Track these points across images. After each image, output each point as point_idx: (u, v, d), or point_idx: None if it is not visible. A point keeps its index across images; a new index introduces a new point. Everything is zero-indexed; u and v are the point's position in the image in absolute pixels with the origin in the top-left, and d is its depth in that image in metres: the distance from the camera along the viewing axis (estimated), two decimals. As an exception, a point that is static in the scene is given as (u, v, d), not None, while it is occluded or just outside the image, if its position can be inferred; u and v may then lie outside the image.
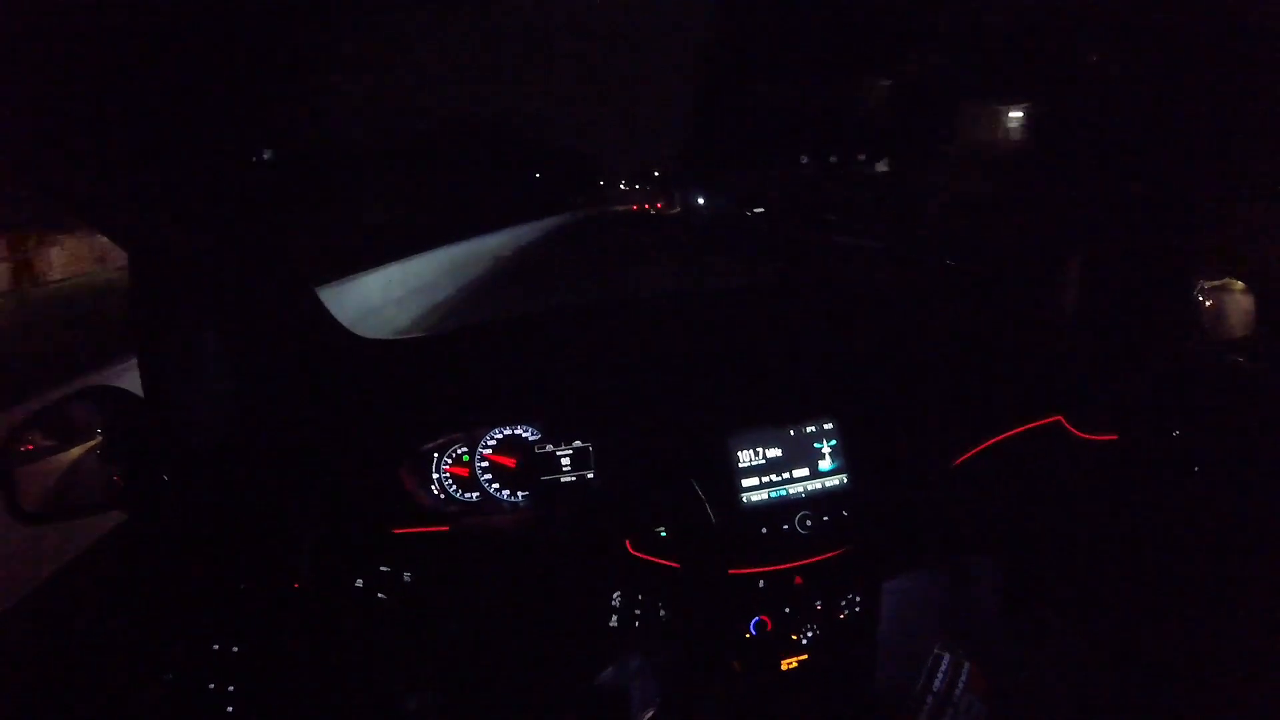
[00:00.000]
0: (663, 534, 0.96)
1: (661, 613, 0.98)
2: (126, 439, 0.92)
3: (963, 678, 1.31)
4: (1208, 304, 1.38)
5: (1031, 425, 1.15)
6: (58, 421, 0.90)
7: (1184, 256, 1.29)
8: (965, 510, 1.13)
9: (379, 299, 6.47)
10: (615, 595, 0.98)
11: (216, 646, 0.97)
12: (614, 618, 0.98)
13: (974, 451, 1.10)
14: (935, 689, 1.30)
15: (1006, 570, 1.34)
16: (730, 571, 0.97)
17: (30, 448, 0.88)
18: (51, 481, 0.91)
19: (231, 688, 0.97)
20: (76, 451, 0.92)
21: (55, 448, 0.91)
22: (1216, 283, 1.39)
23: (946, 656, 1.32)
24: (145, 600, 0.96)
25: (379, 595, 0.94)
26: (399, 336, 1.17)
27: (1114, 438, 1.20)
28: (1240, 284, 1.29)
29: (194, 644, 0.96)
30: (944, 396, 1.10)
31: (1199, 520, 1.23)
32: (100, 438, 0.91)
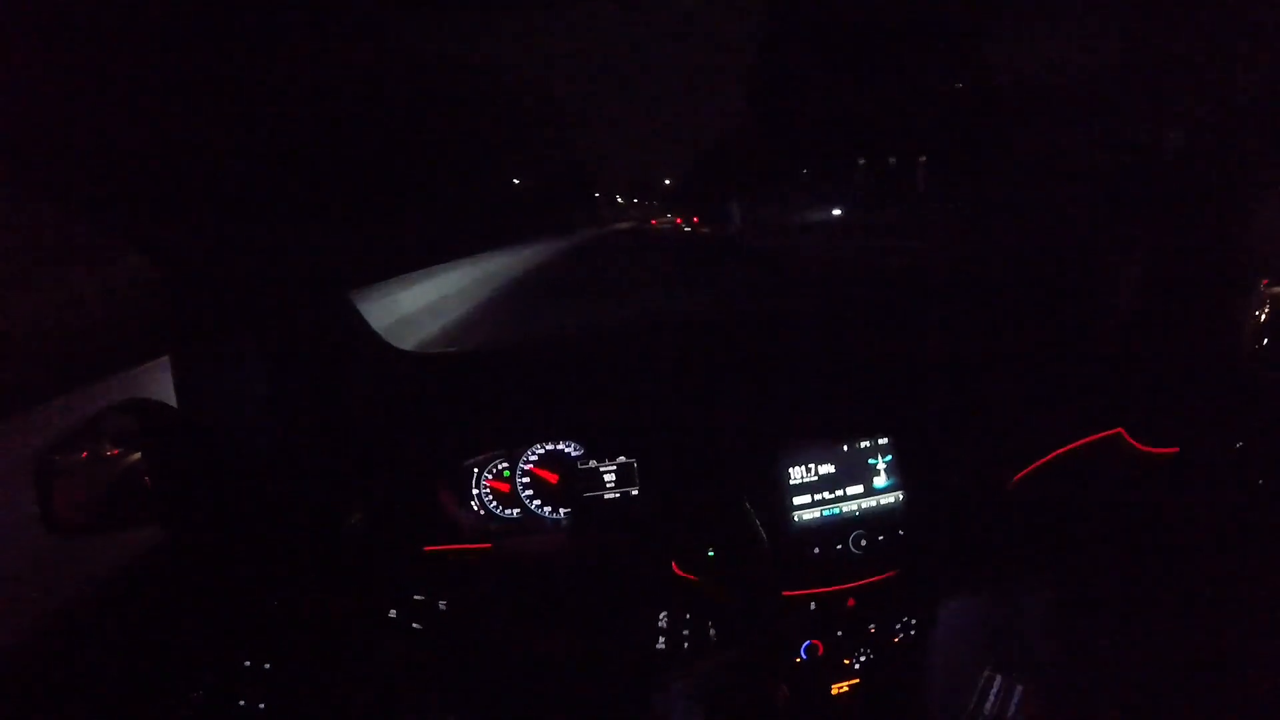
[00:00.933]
0: (711, 555, 0.92)
1: (711, 633, 0.94)
2: (164, 452, 0.90)
3: (1015, 700, 1.26)
4: (1270, 311, 1.32)
5: (1091, 439, 1.10)
6: (96, 434, 0.89)
7: (1245, 260, 1.23)
8: (1023, 526, 1.08)
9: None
10: (662, 616, 0.94)
11: (248, 663, 0.95)
12: (661, 639, 0.94)
13: (1033, 467, 1.05)
14: (987, 712, 1.25)
15: (1062, 588, 1.29)
16: (784, 594, 0.93)
17: (68, 460, 0.87)
18: (88, 494, 0.90)
19: (262, 705, 0.95)
20: (113, 464, 0.91)
21: (93, 461, 0.90)
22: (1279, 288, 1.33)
23: (999, 678, 1.27)
24: (178, 615, 0.94)
25: (414, 625, 0.91)
26: (439, 350, 1.15)
27: (1175, 450, 1.15)
28: None
29: (226, 660, 0.94)
30: (1002, 411, 1.05)
31: (1264, 535, 1.17)
32: (138, 451, 0.90)
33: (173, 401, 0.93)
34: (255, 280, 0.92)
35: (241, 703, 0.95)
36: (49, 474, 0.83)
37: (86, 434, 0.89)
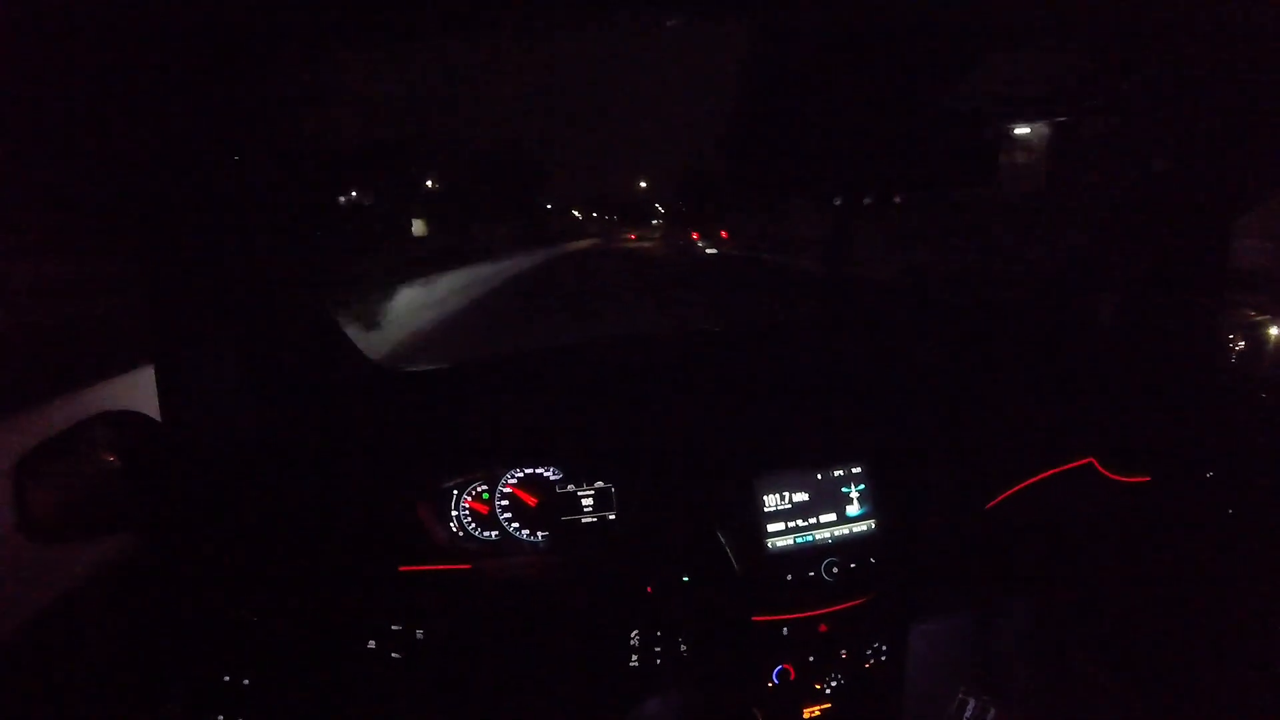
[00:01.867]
0: (685, 580, 0.94)
1: (683, 648, 0.94)
2: (143, 462, 0.90)
3: (987, 723, 1.27)
4: (1242, 341, 1.35)
5: (1063, 468, 1.12)
6: (76, 444, 0.89)
7: (1218, 290, 1.26)
8: (996, 554, 1.10)
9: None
10: (634, 634, 0.94)
11: (227, 678, 0.95)
12: (634, 658, 0.94)
13: (1005, 495, 1.07)
14: (959, 735, 1.26)
15: (1036, 613, 1.30)
16: (754, 619, 0.94)
17: (45, 465, 0.87)
18: (65, 499, 0.90)
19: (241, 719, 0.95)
20: (92, 472, 0.91)
21: (72, 469, 0.90)
22: (1253, 319, 1.36)
23: (972, 701, 1.28)
24: (155, 628, 0.94)
25: (393, 655, 0.91)
26: (420, 368, 1.15)
27: (1146, 479, 1.17)
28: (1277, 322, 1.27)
29: (204, 674, 0.94)
30: (976, 440, 1.07)
31: (1233, 564, 1.19)
32: (117, 461, 0.90)
33: (155, 408, 0.93)
34: (237, 287, 0.93)
35: (220, 718, 0.95)
36: (26, 478, 0.83)
37: (66, 441, 0.89)
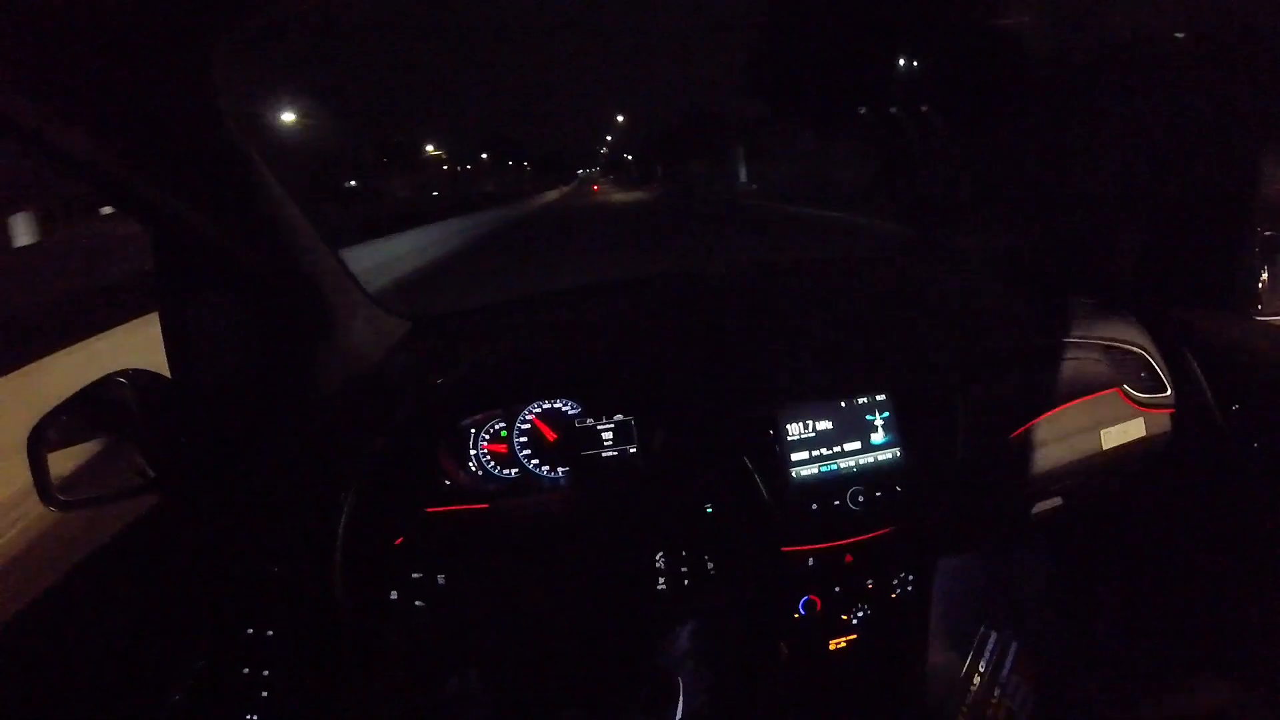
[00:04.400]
0: (709, 510, 0.93)
1: (710, 567, 0.93)
2: (159, 422, 0.89)
3: (1010, 657, 1.29)
4: (1268, 271, 1.32)
5: (1089, 397, 1.10)
6: (90, 406, 0.88)
7: (1245, 220, 1.23)
8: (1020, 484, 1.08)
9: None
10: (658, 557, 0.92)
11: (250, 631, 0.95)
12: (660, 580, 0.92)
13: (1031, 424, 1.05)
14: (982, 669, 1.27)
15: (1057, 548, 1.30)
16: (784, 549, 0.93)
17: (63, 433, 0.86)
18: (84, 466, 0.90)
19: (266, 672, 0.96)
20: (107, 435, 0.90)
21: (88, 433, 0.89)
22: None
23: (994, 635, 1.29)
24: (177, 585, 0.94)
25: (416, 604, 0.91)
26: (431, 312, 1.13)
27: (1171, 410, 1.16)
28: None
29: (227, 629, 0.95)
30: (1000, 368, 1.05)
31: (1258, 498, 1.18)
32: (133, 421, 0.89)
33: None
34: (237, 242, 0.90)
35: (245, 670, 0.96)
36: (42, 447, 0.82)
37: (80, 407, 0.88)
